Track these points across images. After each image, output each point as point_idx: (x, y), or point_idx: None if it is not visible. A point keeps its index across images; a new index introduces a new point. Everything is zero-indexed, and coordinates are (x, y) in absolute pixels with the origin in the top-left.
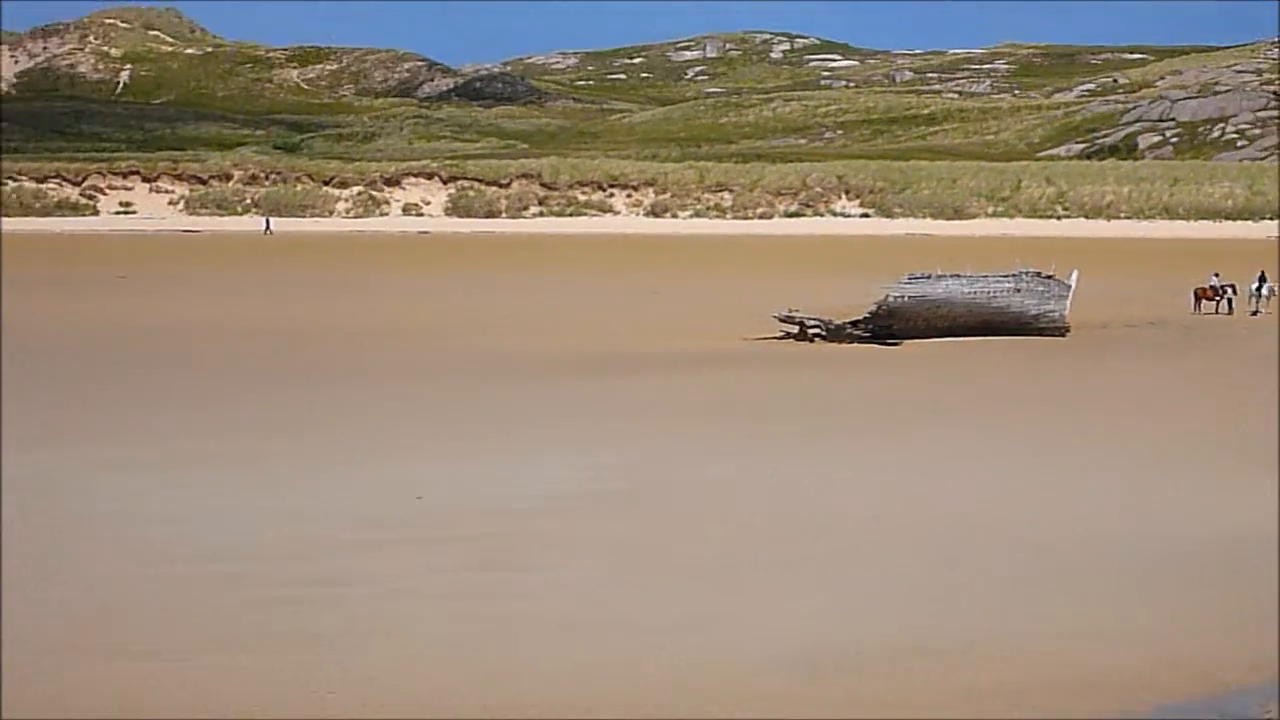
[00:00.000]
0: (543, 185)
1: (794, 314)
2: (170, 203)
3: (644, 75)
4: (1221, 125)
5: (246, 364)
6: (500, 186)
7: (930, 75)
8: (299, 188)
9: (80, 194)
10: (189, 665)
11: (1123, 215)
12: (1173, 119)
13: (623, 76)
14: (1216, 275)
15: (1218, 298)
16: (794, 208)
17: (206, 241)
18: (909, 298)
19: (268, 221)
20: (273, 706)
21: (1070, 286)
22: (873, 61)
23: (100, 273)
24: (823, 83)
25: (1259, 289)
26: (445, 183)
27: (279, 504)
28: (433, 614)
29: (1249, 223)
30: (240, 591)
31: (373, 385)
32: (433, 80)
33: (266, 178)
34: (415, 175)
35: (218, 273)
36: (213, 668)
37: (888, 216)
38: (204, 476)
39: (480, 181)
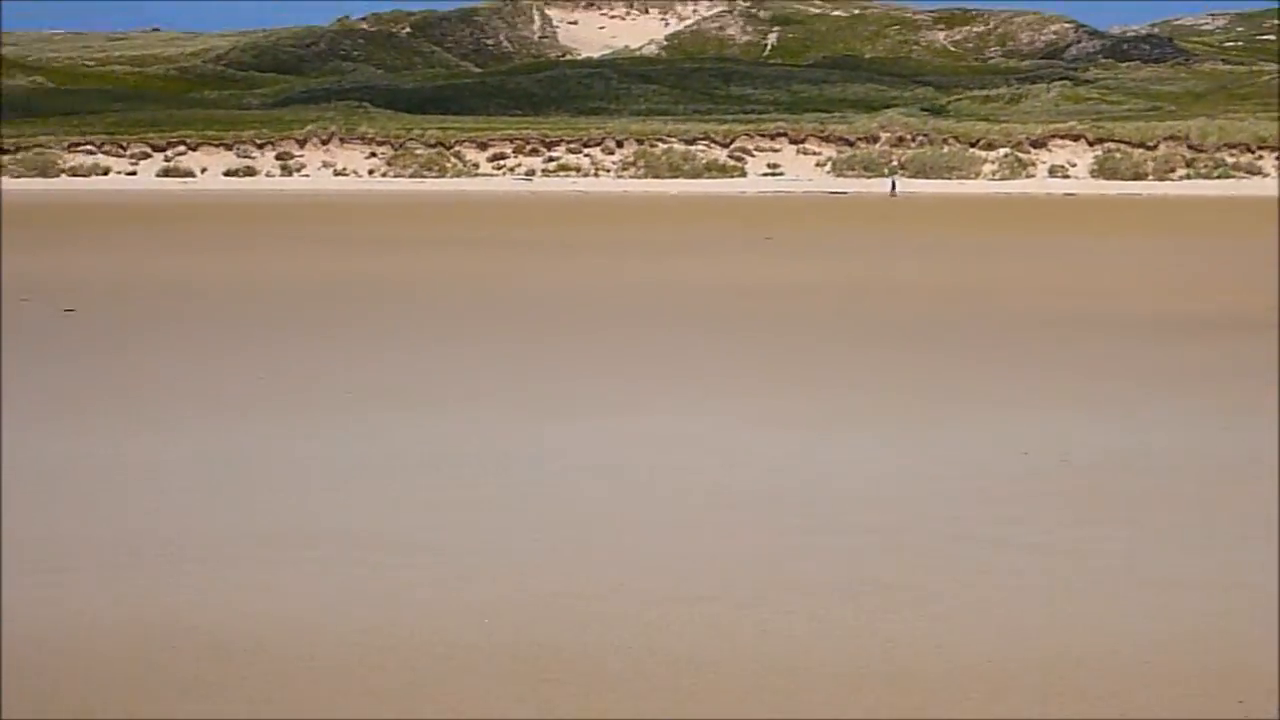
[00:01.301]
0: (1190, 148)
1: None
2: (817, 164)
3: None
4: None
5: (864, 322)
6: (1147, 149)
7: None
8: (945, 149)
9: (728, 155)
10: (794, 615)
11: None
12: None
13: (1271, 37)
14: None
15: None
16: None
17: (843, 203)
18: None
19: (894, 184)
20: (875, 656)
21: None
22: None
23: (748, 234)
24: None
25: None
26: (1091, 144)
27: (891, 458)
28: (1042, 568)
29: None
30: (869, 551)
31: (991, 344)
32: (1079, 42)
33: (913, 139)
34: (1062, 137)
35: (854, 234)
36: (811, 617)
37: None
38: (823, 433)
39: (1127, 144)
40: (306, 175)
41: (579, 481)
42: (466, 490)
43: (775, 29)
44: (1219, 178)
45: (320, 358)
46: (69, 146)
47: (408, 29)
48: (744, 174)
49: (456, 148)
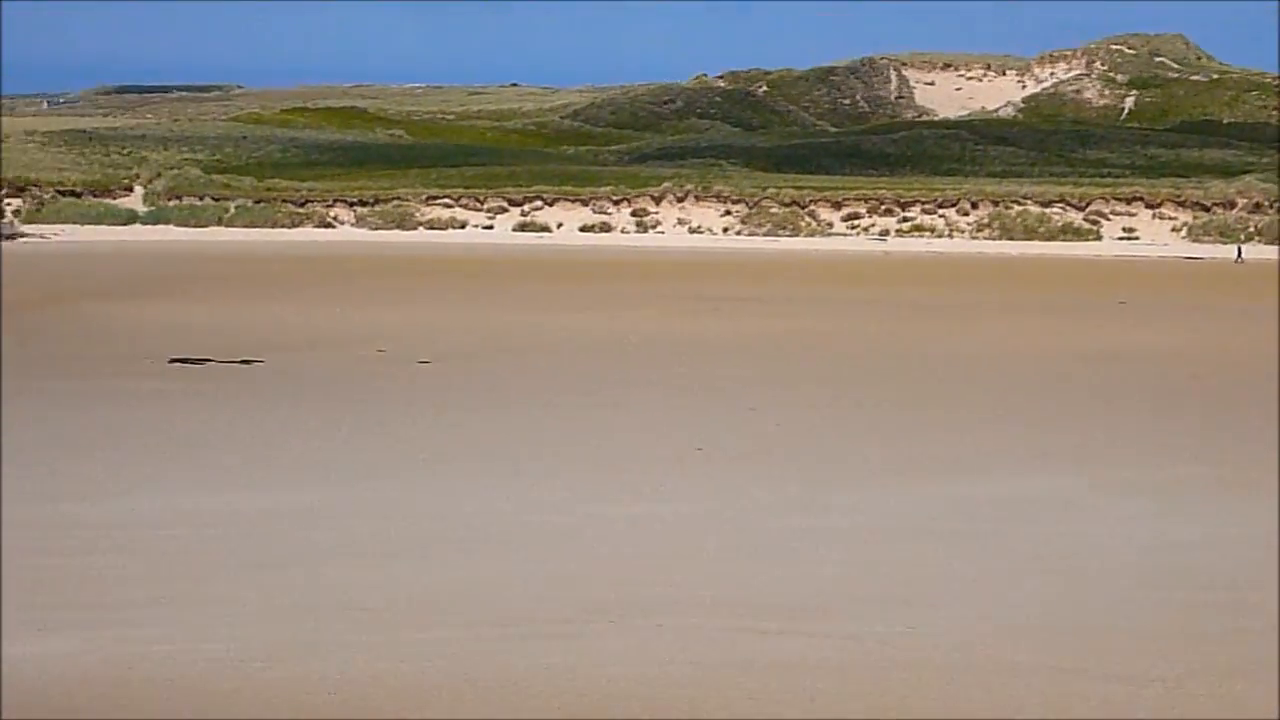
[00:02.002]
0: None
1: None
2: (1173, 229)
3: None
4: None
5: (1215, 389)
6: None
7: None
8: None
9: (1084, 219)
10: (1173, 689)
11: None
12: None
13: None
14: None
15: None
16: None
17: (1196, 269)
18: None
19: (1239, 250)
20: None
21: None
22: None
23: (1100, 299)
24: None
25: None
26: None
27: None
28: None
29: None
30: (1222, 621)
31: None
32: None
33: (1270, 205)
34: None
35: (1203, 299)
36: (1199, 695)
37: None
38: (1187, 501)
39: None
40: (661, 232)
41: (942, 542)
42: (833, 551)
43: (1133, 92)
44: None
45: (681, 417)
46: (427, 200)
47: (764, 88)
48: (1099, 238)
49: (811, 207)
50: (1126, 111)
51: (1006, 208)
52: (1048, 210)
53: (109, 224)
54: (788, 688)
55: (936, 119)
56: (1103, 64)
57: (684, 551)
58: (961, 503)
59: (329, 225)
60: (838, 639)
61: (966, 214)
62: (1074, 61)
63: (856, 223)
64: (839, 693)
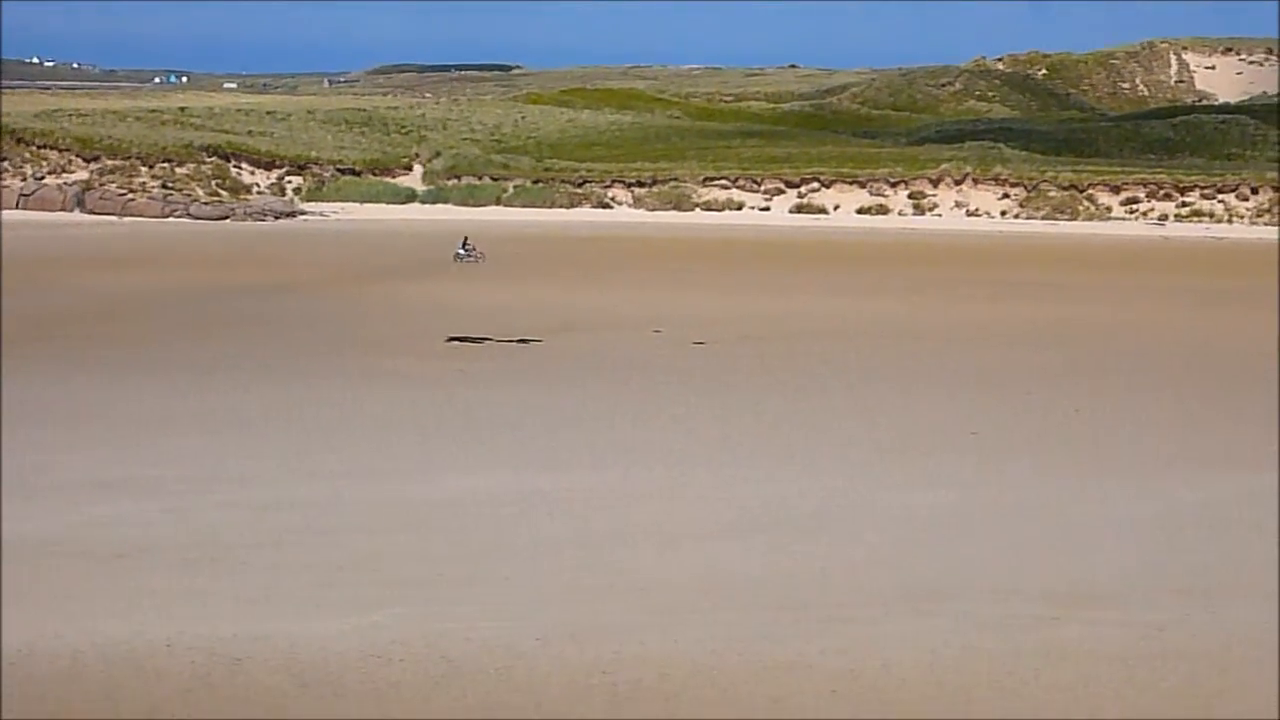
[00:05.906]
0: None
1: None
2: None
3: None
4: None
5: None
6: None
7: None
8: None
9: None
10: None
11: None
12: None
13: None
14: None
15: None
16: None
17: None
18: None
19: None
20: None
21: None
22: None
23: None
24: None
25: None
26: None
27: None
28: None
29: None
30: None
31: None
32: None
33: None
34: None
35: None
36: None
37: None
38: None
39: None
40: (939, 215)
41: (1225, 533)
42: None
43: None
44: None
45: (957, 403)
46: (704, 181)
47: (1043, 71)
48: None
49: (1089, 191)
50: None
51: None
52: None
53: (388, 202)
54: (1063, 674)
55: (1217, 104)
56: None
57: (958, 539)
58: (1249, 494)
59: (606, 206)
60: (1114, 626)
61: (1246, 199)
62: None
63: (1135, 207)
64: (1116, 679)
